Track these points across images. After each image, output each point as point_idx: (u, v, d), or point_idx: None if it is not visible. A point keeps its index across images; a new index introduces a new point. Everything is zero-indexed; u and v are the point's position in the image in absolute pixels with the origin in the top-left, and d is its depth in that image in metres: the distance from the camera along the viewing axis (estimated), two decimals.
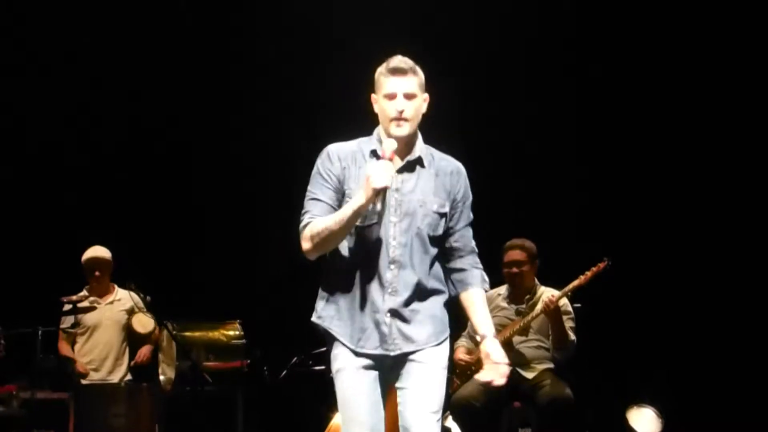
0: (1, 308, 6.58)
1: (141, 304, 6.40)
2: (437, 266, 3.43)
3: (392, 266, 3.31)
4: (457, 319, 6.03)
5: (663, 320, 6.98)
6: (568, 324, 5.63)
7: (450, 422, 6.13)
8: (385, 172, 3.20)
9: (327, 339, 3.42)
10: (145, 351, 6.73)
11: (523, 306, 5.78)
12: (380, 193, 3.21)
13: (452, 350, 5.83)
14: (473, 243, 3.50)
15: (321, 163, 3.39)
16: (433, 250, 3.39)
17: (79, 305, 6.41)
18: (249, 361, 6.32)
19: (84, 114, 7.72)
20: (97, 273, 6.65)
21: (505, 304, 5.85)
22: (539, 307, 5.58)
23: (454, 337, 5.96)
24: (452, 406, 5.72)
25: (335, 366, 3.39)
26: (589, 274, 5.46)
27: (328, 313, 3.40)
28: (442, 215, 3.40)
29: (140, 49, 7.52)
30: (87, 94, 7.66)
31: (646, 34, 7.17)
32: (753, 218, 6.99)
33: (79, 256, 6.72)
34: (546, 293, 5.68)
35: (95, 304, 6.60)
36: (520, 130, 7.39)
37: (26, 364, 6.38)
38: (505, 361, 3.37)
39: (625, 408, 6.54)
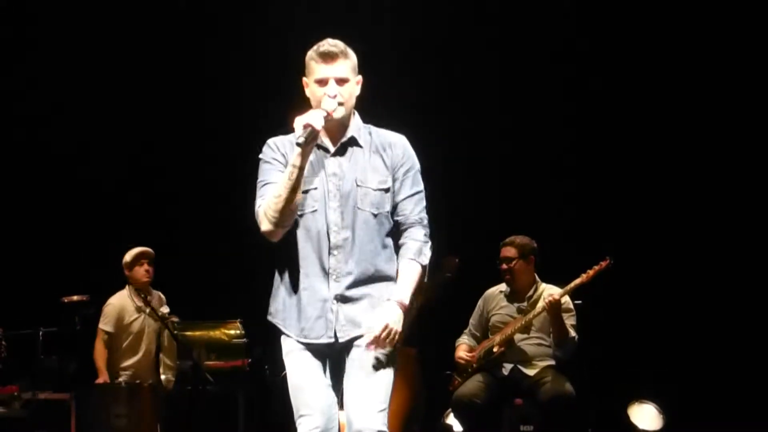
0: (2, 309, 6.58)
1: (141, 303, 6.42)
2: (392, 248, 3.35)
3: (335, 252, 3.25)
4: (458, 317, 6.10)
5: (664, 316, 6.97)
6: (570, 321, 5.62)
7: (451, 420, 6.14)
8: (317, 114, 3.17)
9: (277, 334, 3.36)
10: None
11: (524, 304, 5.77)
12: (313, 136, 3.15)
13: (453, 348, 5.95)
14: (418, 214, 3.34)
15: (264, 154, 3.36)
16: (384, 230, 3.31)
17: (104, 310, 6.40)
18: (250, 360, 6.31)
19: (85, 118, 7.71)
20: (145, 267, 6.58)
21: (506, 302, 5.85)
22: (540, 304, 5.57)
23: (455, 335, 6.02)
24: (453, 403, 5.73)
25: (284, 353, 3.34)
26: (591, 272, 5.44)
27: (275, 308, 3.35)
28: (386, 190, 3.31)
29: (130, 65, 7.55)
30: (86, 101, 7.66)
31: (643, 30, 7.15)
32: (752, 216, 6.97)
33: (78, 258, 6.72)
34: (547, 290, 5.68)
35: (140, 313, 6.57)
36: (522, 127, 7.38)
37: (28, 365, 6.38)
38: (385, 320, 3.17)
39: (626, 404, 6.55)
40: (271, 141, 3.38)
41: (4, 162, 7.71)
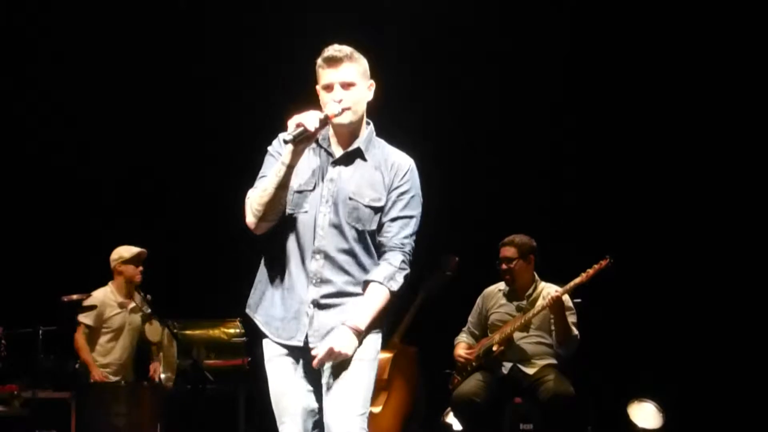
0: (1, 308, 6.58)
1: (140, 303, 6.43)
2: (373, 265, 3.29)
3: (317, 256, 3.22)
4: (458, 316, 6.10)
5: (663, 315, 6.98)
6: (571, 319, 5.61)
7: (451, 419, 6.14)
8: (313, 115, 3.14)
9: (258, 333, 3.36)
10: (157, 367, 6.58)
11: (524, 302, 5.77)
12: (305, 137, 3.13)
13: (452, 347, 5.95)
14: (401, 239, 3.28)
15: (271, 146, 3.35)
16: (368, 246, 3.27)
17: (85, 303, 6.42)
18: (250, 359, 6.31)
19: (84, 118, 7.72)
20: (140, 268, 6.63)
21: (505, 301, 5.85)
22: (540, 303, 5.57)
23: (454, 334, 6.02)
24: (453, 402, 5.72)
25: (265, 359, 3.34)
26: (591, 271, 5.42)
27: (254, 302, 3.36)
28: (377, 209, 3.27)
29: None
30: (86, 101, 7.67)
31: (643, 31, 7.16)
32: (752, 215, 6.98)
33: (78, 257, 6.71)
34: (546, 289, 5.68)
35: (122, 308, 6.60)
36: (522, 126, 7.39)
37: (28, 363, 6.38)
38: (331, 344, 3.13)
39: (626, 402, 6.55)
40: (282, 135, 3.34)
41: (4, 162, 7.71)
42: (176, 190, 7.83)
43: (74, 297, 6.36)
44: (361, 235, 3.26)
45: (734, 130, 7.02)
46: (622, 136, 7.25)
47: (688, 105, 7.11)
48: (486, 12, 7.29)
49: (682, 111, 7.13)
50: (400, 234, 3.29)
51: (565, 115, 7.34)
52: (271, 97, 7.14)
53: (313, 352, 3.20)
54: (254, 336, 6.18)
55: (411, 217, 3.32)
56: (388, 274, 3.24)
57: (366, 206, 3.26)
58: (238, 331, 6.42)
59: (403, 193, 3.31)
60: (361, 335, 3.21)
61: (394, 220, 3.29)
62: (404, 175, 3.32)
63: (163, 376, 6.37)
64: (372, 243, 3.29)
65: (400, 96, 6.82)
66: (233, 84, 7.61)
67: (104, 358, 6.64)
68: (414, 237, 3.33)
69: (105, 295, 6.61)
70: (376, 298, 3.23)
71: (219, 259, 7.55)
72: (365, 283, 3.25)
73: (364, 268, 3.26)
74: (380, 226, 3.29)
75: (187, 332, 6.31)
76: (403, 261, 3.28)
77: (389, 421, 6.12)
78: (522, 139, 7.40)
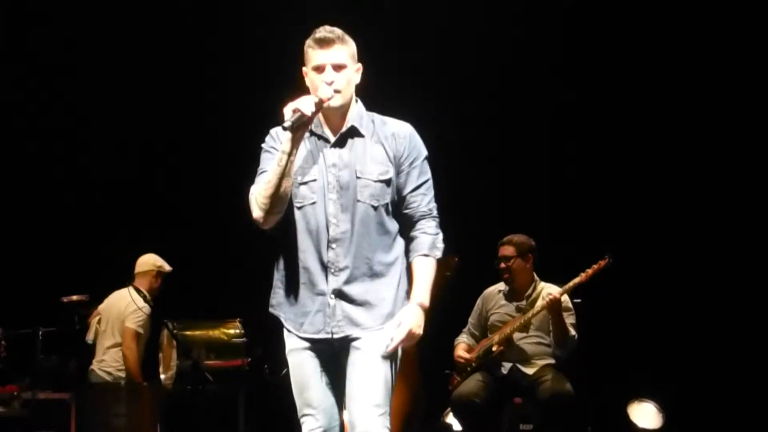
0: (2, 309, 6.59)
1: (141, 302, 6.42)
2: (396, 241, 3.30)
3: (333, 245, 3.21)
4: (457, 316, 6.10)
5: (663, 315, 6.98)
6: (569, 320, 5.62)
7: (451, 419, 6.14)
8: (308, 100, 3.14)
9: (279, 328, 3.34)
10: None
11: (523, 303, 5.77)
12: (302, 123, 3.12)
13: (452, 347, 5.95)
14: (428, 205, 3.31)
15: (265, 143, 3.34)
16: (388, 223, 3.27)
17: (135, 309, 6.44)
18: (250, 360, 6.31)
19: (83, 118, 7.72)
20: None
21: (504, 301, 5.85)
22: (540, 303, 5.58)
23: (454, 334, 6.02)
24: (453, 402, 5.73)
25: (286, 350, 3.33)
26: (590, 271, 5.43)
27: (277, 301, 3.33)
28: (387, 182, 3.26)
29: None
30: (85, 102, 7.67)
31: (641, 30, 7.15)
32: (751, 214, 6.97)
33: (77, 258, 6.71)
34: (546, 289, 5.68)
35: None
36: (521, 126, 7.39)
37: (27, 364, 6.39)
38: (407, 324, 3.18)
39: (626, 402, 6.55)
40: (273, 131, 3.34)
41: (4, 162, 7.71)
42: (176, 190, 7.82)
43: (74, 298, 6.34)
44: (376, 212, 3.25)
45: (732, 130, 7.01)
46: (622, 136, 7.25)
47: (686, 105, 7.10)
48: (486, 11, 7.28)
49: (681, 111, 7.13)
50: (424, 201, 3.31)
51: (565, 114, 7.33)
52: (272, 96, 7.13)
53: (387, 334, 3.19)
54: (258, 334, 6.26)
55: (428, 180, 3.35)
56: (430, 243, 3.28)
57: (376, 181, 3.25)
58: (237, 331, 6.42)
59: (413, 162, 3.31)
60: (426, 311, 3.24)
61: (414, 190, 3.30)
62: (408, 143, 3.32)
63: (162, 376, 6.37)
64: (387, 217, 3.28)
65: (400, 96, 6.83)
66: (236, 84, 7.60)
67: (120, 362, 6.62)
68: (435, 198, 3.37)
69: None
70: (428, 271, 3.27)
71: (220, 259, 7.55)
72: (410, 256, 3.28)
73: (380, 249, 3.25)
74: (401, 199, 3.30)
75: (187, 333, 6.31)
76: (436, 225, 3.32)
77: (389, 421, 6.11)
78: (522, 139, 7.39)
